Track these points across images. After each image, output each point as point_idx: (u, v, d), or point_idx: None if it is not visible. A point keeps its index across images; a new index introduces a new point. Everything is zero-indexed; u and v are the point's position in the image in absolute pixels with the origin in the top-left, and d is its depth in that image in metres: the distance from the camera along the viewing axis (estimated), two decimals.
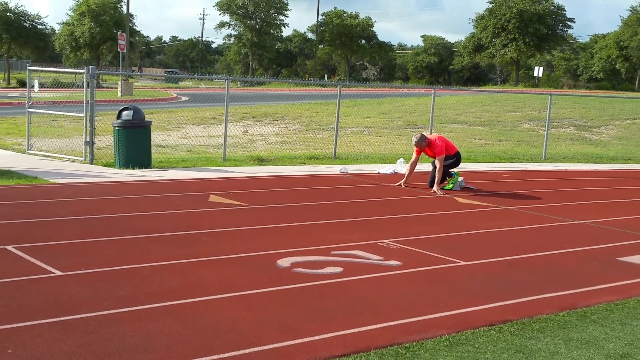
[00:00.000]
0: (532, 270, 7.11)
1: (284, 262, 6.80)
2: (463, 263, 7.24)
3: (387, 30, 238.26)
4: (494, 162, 18.01)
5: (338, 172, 14.29)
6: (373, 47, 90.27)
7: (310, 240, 7.91)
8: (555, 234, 9.24)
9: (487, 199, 11.84)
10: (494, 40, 75.47)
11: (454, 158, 12.67)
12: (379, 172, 14.53)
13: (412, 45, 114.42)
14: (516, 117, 29.92)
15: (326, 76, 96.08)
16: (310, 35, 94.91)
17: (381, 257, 7.26)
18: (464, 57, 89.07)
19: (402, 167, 14.45)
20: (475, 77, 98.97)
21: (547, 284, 6.61)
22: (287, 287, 6.04)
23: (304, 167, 14.94)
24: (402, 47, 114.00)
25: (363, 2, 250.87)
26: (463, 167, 13.88)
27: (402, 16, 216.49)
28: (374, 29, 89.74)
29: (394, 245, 7.87)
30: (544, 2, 74.26)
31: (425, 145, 12.40)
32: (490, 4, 76.77)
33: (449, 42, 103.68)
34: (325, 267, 6.70)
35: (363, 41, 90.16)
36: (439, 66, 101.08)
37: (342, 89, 17.86)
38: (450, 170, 12.70)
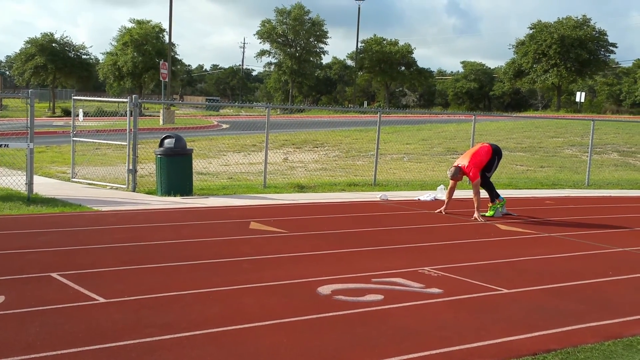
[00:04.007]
0: (576, 299, 7.00)
1: (325, 290, 6.79)
2: (505, 291, 7.16)
3: (426, 57, 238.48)
4: (535, 189, 17.83)
5: (378, 199, 14.26)
6: (413, 74, 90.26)
7: (350, 267, 7.89)
8: (600, 261, 9.09)
9: (529, 226, 11.71)
10: (534, 65, 75.12)
11: (492, 158, 12.56)
12: (419, 199, 14.47)
13: (451, 72, 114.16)
14: (558, 143, 29.64)
15: (365, 103, 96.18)
16: (349, 62, 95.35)
17: (422, 284, 7.22)
18: (504, 83, 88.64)
19: (442, 194, 14.36)
20: (516, 102, 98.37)
21: (592, 312, 6.50)
22: (327, 314, 6.03)
23: (343, 194, 14.94)
24: (441, 73, 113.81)
25: (400, 28, 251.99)
26: (504, 194, 13.76)
27: (439, 42, 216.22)
28: (413, 55, 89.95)
29: (435, 272, 7.81)
30: (585, 27, 73.75)
31: (461, 176, 12.36)
32: (530, 29, 76.54)
33: (489, 68, 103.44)
34: (365, 295, 6.68)
35: (402, 68, 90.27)
36: (479, 92, 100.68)
37: (382, 115, 17.88)
38: (501, 195, 12.78)
